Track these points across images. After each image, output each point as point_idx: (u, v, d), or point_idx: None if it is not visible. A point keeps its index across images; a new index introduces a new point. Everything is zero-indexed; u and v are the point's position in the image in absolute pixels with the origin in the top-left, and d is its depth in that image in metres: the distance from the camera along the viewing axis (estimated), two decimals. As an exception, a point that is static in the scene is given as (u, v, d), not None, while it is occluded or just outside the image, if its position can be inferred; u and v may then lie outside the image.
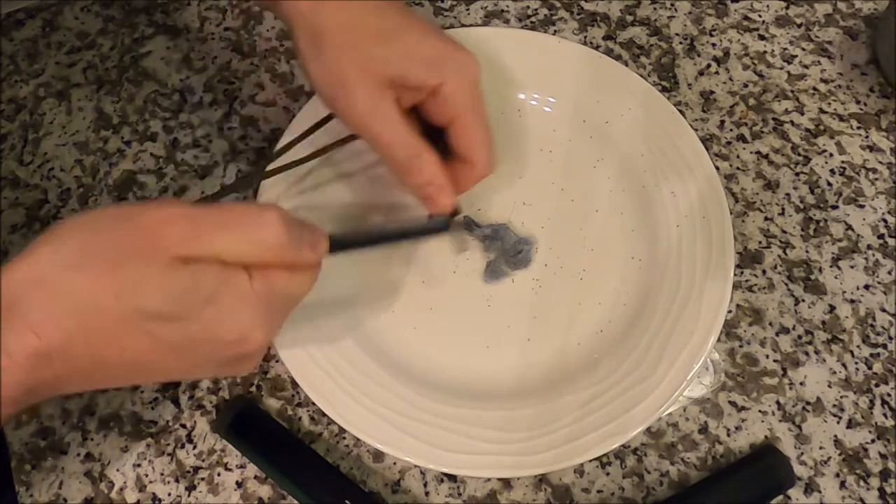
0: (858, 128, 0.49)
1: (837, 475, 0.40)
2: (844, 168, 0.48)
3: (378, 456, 0.41)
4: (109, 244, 0.27)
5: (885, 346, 0.43)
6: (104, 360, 0.28)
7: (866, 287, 0.45)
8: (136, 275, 0.27)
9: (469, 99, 0.37)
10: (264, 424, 0.41)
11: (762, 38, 0.53)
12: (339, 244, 0.33)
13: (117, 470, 0.41)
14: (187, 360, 0.30)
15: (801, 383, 0.42)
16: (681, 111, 0.46)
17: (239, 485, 0.40)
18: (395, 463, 0.41)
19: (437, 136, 0.38)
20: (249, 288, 0.29)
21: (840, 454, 0.41)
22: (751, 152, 0.49)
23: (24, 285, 0.26)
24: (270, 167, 0.43)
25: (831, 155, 0.49)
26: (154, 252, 0.27)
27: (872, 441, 0.41)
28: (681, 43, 0.53)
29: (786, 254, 0.46)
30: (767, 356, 0.43)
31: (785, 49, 0.52)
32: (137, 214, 0.28)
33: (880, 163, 0.48)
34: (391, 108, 0.36)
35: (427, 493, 0.40)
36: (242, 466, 0.41)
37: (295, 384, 0.42)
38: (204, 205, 0.29)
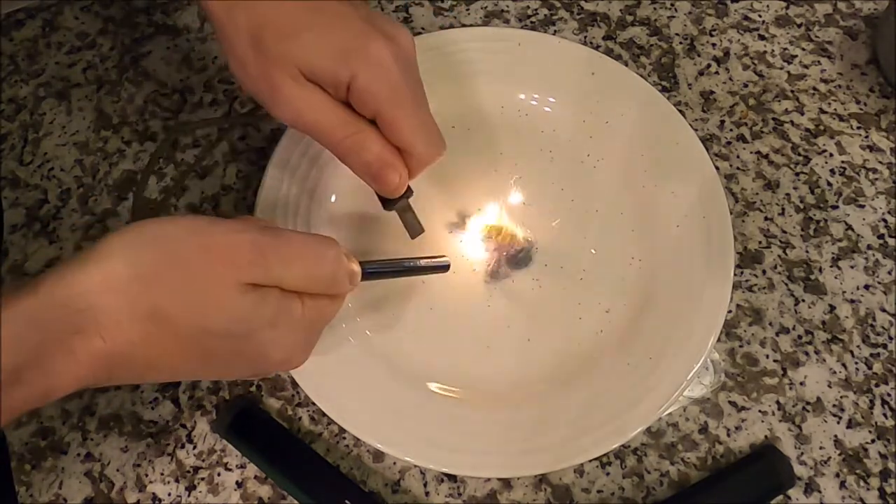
0: (858, 128, 0.49)
1: (837, 475, 0.40)
2: (844, 168, 0.48)
3: (378, 456, 0.41)
4: (182, 262, 0.29)
5: (885, 346, 0.43)
6: (157, 365, 0.30)
7: (866, 287, 0.45)
8: (205, 296, 0.29)
9: (386, 90, 0.34)
10: (264, 424, 0.41)
11: (762, 38, 0.53)
12: (365, 276, 0.35)
13: (117, 470, 0.41)
14: (231, 370, 0.33)
15: (801, 383, 0.43)
16: (681, 111, 0.46)
17: (239, 485, 0.40)
18: (395, 463, 0.41)
19: None
20: (302, 314, 0.32)
21: (840, 454, 0.41)
22: (751, 152, 0.49)
23: (97, 291, 0.28)
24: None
25: (831, 155, 0.49)
26: (223, 276, 0.29)
27: (872, 441, 0.41)
28: (681, 43, 0.53)
29: (786, 254, 0.46)
30: (767, 356, 0.43)
31: (785, 49, 0.52)
32: (210, 234, 0.30)
33: (880, 163, 0.48)
34: (319, 95, 0.34)
35: (427, 493, 0.40)
36: (242, 466, 0.41)
37: (295, 384, 0.42)
38: (271, 232, 0.31)
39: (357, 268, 0.34)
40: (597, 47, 0.52)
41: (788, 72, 0.52)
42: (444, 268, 0.39)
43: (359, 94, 0.34)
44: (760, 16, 0.54)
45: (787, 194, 0.47)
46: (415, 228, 0.40)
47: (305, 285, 0.31)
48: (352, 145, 0.35)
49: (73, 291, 0.27)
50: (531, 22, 0.53)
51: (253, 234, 0.30)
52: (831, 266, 0.45)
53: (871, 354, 0.43)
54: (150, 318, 0.28)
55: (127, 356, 0.29)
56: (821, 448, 0.41)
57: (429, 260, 0.38)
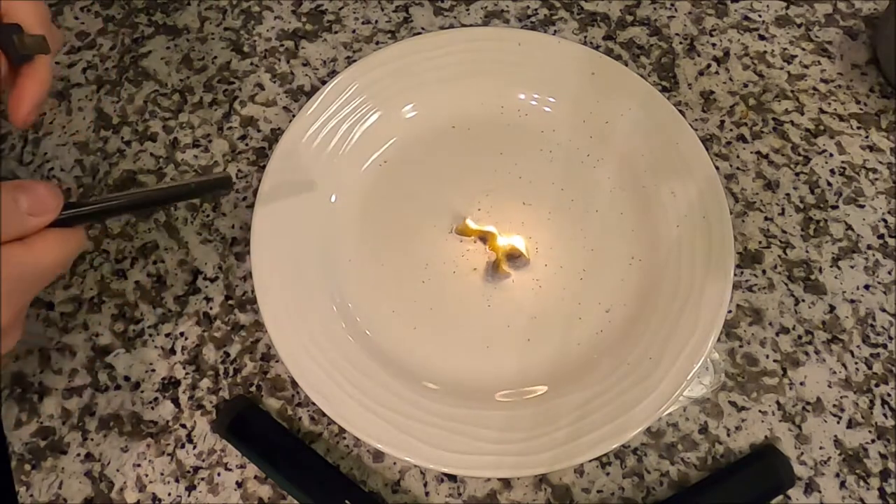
0: (858, 128, 0.49)
1: (837, 475, 0.40)
2: (844, 168, 0.48)
3: (378, 456, 0.41)
4: None
5: (885, 346, 0.43)
6: None
7: (866, 287, 0.45)
8: None
9: None
10: (264, 424, 0.41)
11: (762, 38, 0.53)
12: (79, 207, 0.30)
13: (117, 470, 0.41)
14: None
15: (801, 383, 0.43)
16: (681, 111, 0.46)
17: (239, 485, 0.40)
18: (395, 463, 0.41)
19: None
20: None
21: (840, 454, 0.41)
22: (751, 152, 0.49)
23: None
24: None
25: (831, 155, 0.49)
26: None
27: (872, 441, 0.41)
28: (681, 43, 0.53)
29: (786, 254, 0.46)
30: (767, 356, 0.43)
31: (785, 49, 0.52)
32: None
33: (880, 163, 0.48)
34: None
35: (427, 493, 0.40)
36: (242, 466, 0.41)
37: (295, 384, 0.42)
38: None
39: (46, 197, 0.29)
40: (597, 47, 0.52)
41: (788, 72, 0.52)
42: (222, 186, 0.32)
43: None
44: (760, 16, 0.54)
45: (787, 194, 0.47)
46: (38, 43, 0.33)
47: None
48: None
49: None
50: (531, 22, 0.53)
51: None
52: (831, 266, 0.45)
53: (871, 354, 0.43)
54: None
55: None
56: (821, 448, 0.41)
57: (200, 179, 0.31)
